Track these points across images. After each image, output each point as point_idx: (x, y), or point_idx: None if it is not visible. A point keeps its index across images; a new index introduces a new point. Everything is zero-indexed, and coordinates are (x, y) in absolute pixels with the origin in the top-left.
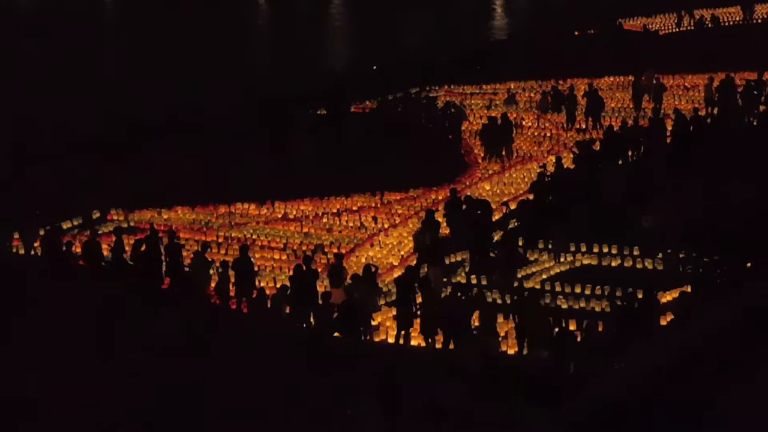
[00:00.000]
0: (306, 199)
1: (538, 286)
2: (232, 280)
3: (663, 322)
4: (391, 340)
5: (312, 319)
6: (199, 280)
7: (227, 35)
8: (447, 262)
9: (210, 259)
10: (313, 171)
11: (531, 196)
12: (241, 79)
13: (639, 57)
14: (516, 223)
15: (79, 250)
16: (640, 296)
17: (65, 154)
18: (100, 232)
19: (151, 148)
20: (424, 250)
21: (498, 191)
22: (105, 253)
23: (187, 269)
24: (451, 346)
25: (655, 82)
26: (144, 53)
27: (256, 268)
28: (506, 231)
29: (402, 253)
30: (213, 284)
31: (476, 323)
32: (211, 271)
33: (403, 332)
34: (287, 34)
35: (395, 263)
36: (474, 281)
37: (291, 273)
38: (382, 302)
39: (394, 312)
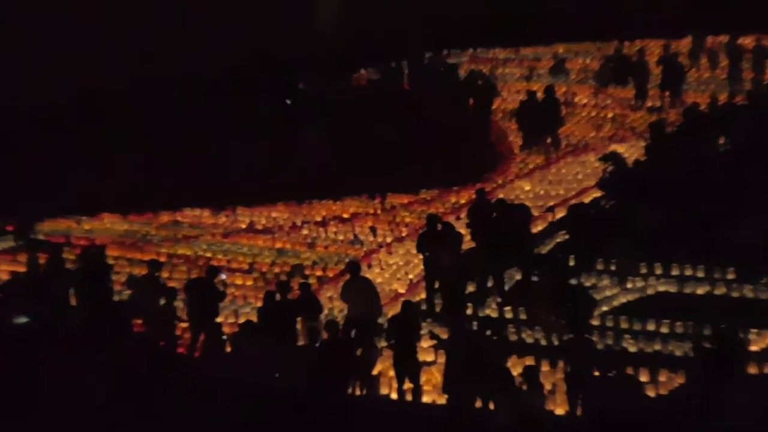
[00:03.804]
0: (279, 203)
1: (597, 321)
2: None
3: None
4: (394, 396)
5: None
6: (145, 312)
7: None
8: (471, 288)
9: (165, 285)
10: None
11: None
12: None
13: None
14: (566, 236)
15: None
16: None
17: None
18: None
19: (66, 140)
20: (439, 272)
21: (541, 192)
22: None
23: (122, 298)
24: (479, 404)
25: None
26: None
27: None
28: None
29: (410, 276)
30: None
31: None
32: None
33: (409, 385)
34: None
35: (401, 290)
36: (509, 315)
37: (260, 304)
38: (382, 344)
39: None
